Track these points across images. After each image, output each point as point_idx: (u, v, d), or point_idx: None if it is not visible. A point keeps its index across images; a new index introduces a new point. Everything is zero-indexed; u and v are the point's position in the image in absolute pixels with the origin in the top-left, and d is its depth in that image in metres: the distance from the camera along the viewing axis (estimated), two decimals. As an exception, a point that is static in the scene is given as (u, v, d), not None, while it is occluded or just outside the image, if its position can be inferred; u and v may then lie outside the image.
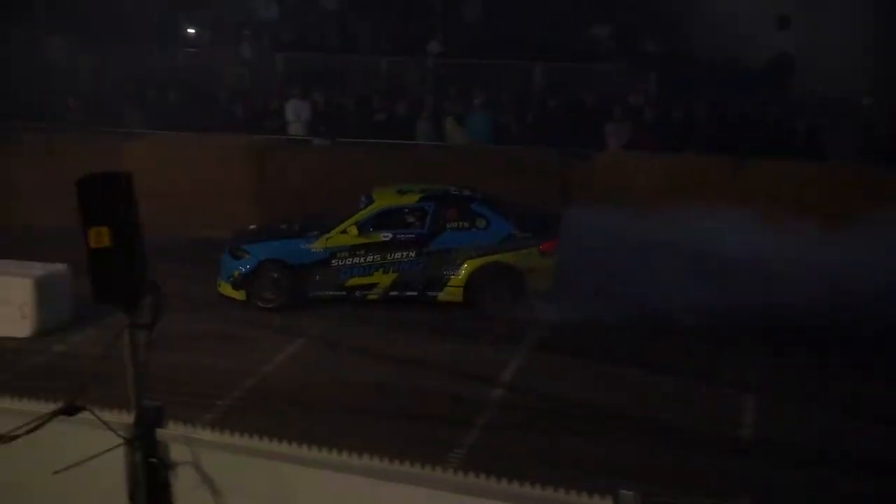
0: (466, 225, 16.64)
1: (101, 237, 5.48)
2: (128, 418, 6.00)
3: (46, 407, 6.07)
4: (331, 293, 16.52)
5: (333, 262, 16.49)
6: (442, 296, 16.54)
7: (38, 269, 15.52)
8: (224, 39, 25.84)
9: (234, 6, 26.75)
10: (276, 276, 16.46)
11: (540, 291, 16.20)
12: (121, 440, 5.88)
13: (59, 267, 15.62)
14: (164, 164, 19.87)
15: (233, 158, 20.48)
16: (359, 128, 21.75)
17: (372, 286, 16.54)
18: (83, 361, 13.44)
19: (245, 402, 12.84)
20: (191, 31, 26.88)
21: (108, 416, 5.98)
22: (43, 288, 15.22)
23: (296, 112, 22.63)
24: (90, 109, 23.24)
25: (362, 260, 16.52)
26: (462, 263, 16.47)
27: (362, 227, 16.61)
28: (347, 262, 16.48)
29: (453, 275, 16.49)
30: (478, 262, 16.44)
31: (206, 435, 5.97)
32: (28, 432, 5.26)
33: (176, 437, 5.98)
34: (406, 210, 16.80)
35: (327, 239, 16.56)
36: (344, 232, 16.60)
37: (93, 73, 24.85)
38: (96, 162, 18.18)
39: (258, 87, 24.37)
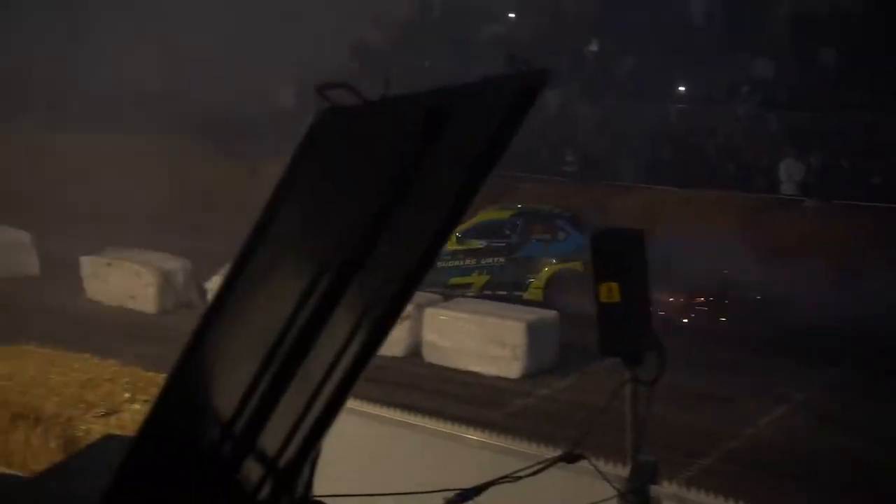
0: (549, 237, 19.13)
1: (611, 292, 5.61)
2: (623, 471, 6.07)
3: (547, 451, 6.28)
4: (436, 290, 17.75)
5: (440, 264, 18.14)
6: (526, 295, 18.75)
7: (530, 314, 16.22)
8: (717, 96, 25.78)
9: (729, 63, 26.60)
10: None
11: None
12: (615, 493, 5.94)
13: (550, 313, 16.31)
14: (654, 218, 20.09)
15: (720, 215, 20.34)
16: (855, 189, 20.88)
17: (469, 285, 19.10)
18: (568, 407, 13.85)
19: (726, 464, 12.60)
20: (681, 88, 27.06)
21: (604, 466, 6.08)
22: (534, 332, 15.85)
23: (789, 171, 22.13)
24: (586, 161, 24.02)
25: (461, 263, 19.15)
26: (543, 268, 18.83)
27: (464, 236, 19.05)
28: (450, 265, 18.87)
29: (535, 278, 18.85)
30: (555, 267, 18.77)
31: (699, 497, 5.92)
32: (532, 474, 5.44)
33: (669, 495, 5.98)
34: (501, 223, 19.37)
35: None
36: None
37: (590, 125, 25.66)
38: (587, 215, 18.85)
39: (750, 145, 24.07)
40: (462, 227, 18.57)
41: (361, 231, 2.90)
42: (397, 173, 2.81)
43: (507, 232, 19.35)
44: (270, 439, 3.33)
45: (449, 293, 18.12)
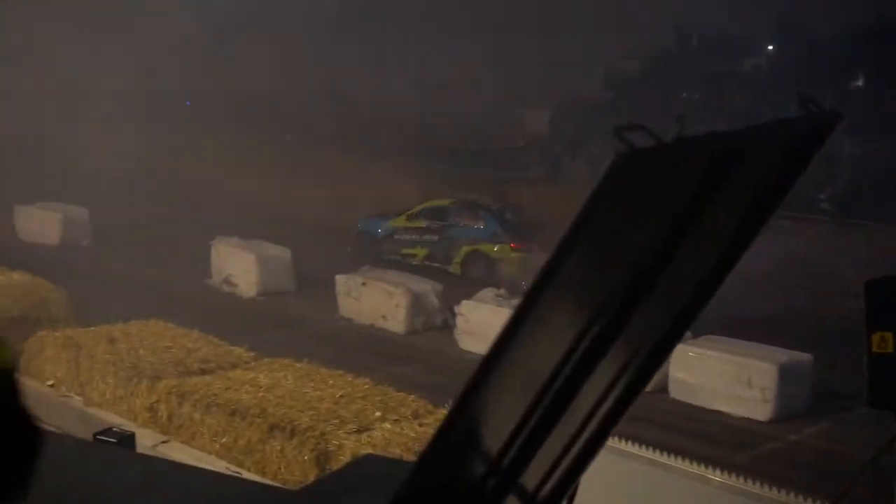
0: (471, 223, 23.50)
1: (884, 342, 5.35)
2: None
3: (798, 501, 6.04)
4: (394, 257, 23.58)
5: (396, 236, 24.14)
6: (451, 269, 23.14)
7: (783, 355, 15.68)
8: None
9: None
10: (364, 240, 24.41)
11: (507, 275, 20.71)
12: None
13: (803, 356, 15.75)
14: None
15: None
16: None
17: (414, 256, 23.70)
18: (819, 456, 13.34)
19: None
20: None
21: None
22: (786, 374, 15.33)
23: None
24: (846, 201, 23.15)
25: (410, 237, 23.91)
26: (462, 248, 23.18)
27: (417, 216, 24.16)
28: (403, 238, 23.95)
29: (456, 255, 23.22)
30: (470, 248, 23.13)
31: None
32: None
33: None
34: (441, 209, 23.99)
35: (393, 221, 24.25)
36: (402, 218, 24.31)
37: (850, 164, 24.75)
38: (842, 259, 18.07)
39: None
40: (414, 210, 24.32)
41: (641, 274, 2.87)
42: (682, 214, 2.77)
43: (444, 216, 23.86)
44: (532, 475, 3.33)
45: (402, 261, 23.31)
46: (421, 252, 23.68)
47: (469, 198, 24.66)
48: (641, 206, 2.57)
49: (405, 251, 23.86)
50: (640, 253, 2.81)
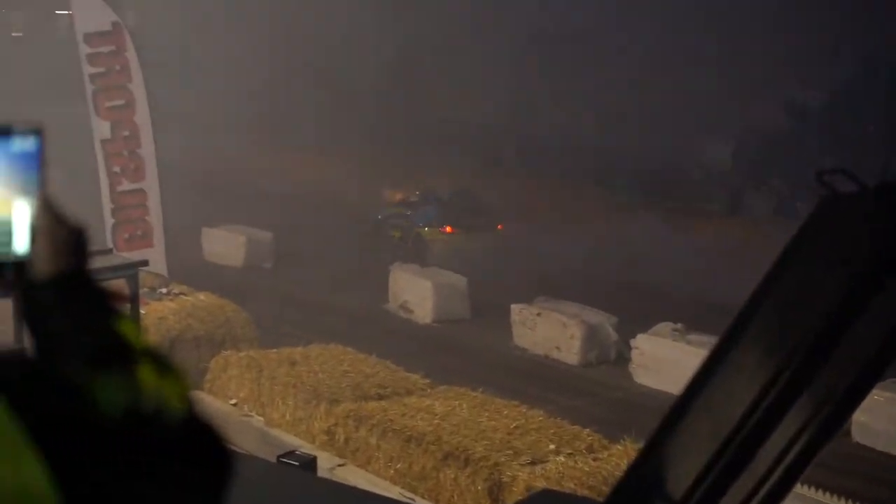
0: (421, 210, 27.58)
1: None
2: None
3: None
4: (387, 239, 27.22)
5: (389, 221, 28.02)
6: (408, 247, 26.38)
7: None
8: None
9: None
10: (370, 225, 28.27)
11: (435, 252, 25.66)
12: None
13: None
14: None
15: None
16: None
17: (394, 237, 27.30)
18: None
19: None
20: None
21: None
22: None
23: None
24: None
25: (394, 223, 27.84)
26: (413, 230, 27.20)
27: (401, 205, 28.58)
28: (391, 223, 27.97)
29: (412, 237, 27.04)
30: (415, 230, 27.19)
31: None
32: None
33: None
34: (415, 200, 28.51)
35: (389, 210, 28.55)
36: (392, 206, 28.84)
37: None
38: None
39: None
40: (404, 201, 28.72)
41: (835, 321, 2.81)
42: (882, 261, 2.71)
43: (413, 205, 28.15)
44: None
45: (390, 242, 26.95)
46: (397, 234, 27.85)
47: (432, 193, 29.24)
48: (841, 251, 2.53)
49: (391, 233, 28.09)
50: (836, 298, 2.76)
